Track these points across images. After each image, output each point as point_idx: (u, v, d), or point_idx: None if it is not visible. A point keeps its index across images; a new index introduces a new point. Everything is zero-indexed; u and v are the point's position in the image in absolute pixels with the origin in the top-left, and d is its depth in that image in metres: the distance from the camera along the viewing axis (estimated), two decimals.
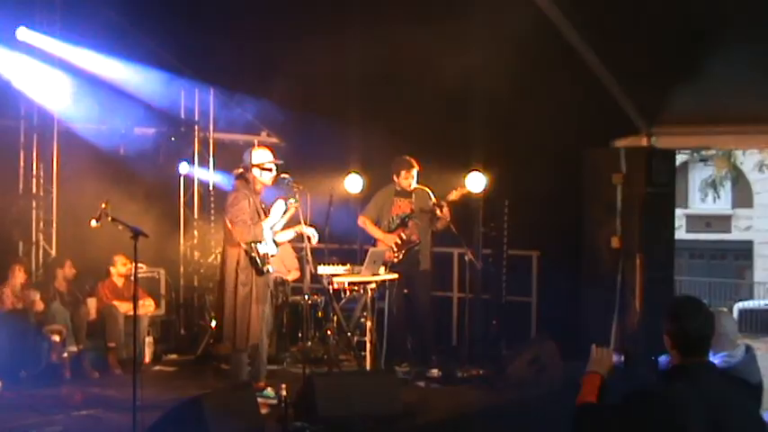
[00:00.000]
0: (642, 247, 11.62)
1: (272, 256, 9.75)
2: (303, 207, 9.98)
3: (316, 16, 11.12)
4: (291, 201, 9.73)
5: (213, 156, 14.62)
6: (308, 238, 9.94)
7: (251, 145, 10.08)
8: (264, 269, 9.56)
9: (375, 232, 11.62)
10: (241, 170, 9.74)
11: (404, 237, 11.41)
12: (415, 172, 11.47)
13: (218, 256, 13.27)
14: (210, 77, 13.91)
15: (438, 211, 11.22)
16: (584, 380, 5.09)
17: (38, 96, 12.77)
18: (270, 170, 9.67)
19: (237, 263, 9.54)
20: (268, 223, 9.63)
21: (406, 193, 11.56)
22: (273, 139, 14.94)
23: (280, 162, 9.81)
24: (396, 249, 11.40)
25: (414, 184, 11.50)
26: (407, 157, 11.52)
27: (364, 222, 11.73)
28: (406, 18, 10.54)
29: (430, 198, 11.38)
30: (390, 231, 11.52)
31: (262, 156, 9.68)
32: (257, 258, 9.50)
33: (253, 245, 9.50)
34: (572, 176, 12.03)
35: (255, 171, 9.64)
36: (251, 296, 9.50)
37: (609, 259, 11.79)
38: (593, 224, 12.01)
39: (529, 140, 11.92)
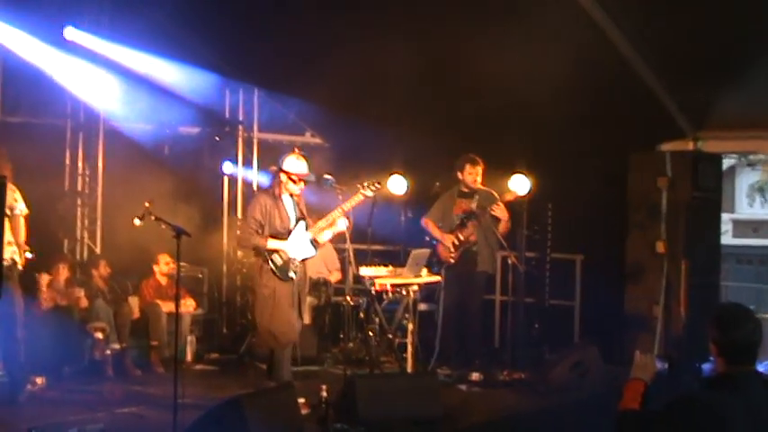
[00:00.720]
0: (687, 253, 11.52)
1: (304, 259, 9.71)
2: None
3: (360, 17, 11.10)
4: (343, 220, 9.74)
5: (257, 156, 14.63)
6: (348, 229, 9.87)
7: (293, 147, 10.03)
8: (288, 275, 9.53)
9: (435, 232, 11.57)
10: (274, 168, 9.73)
11: (461, 237, 11.34)
12: (479, 169, 11.39)
13: None
14: (255, 77, 13.95)
15: (491, 211, 11.13)
16: (627, 386, 5.04)
17: (84, 95, 12.85)
18: (295, 182, 9.61)
19: (261, 266, 9.55)
20: (284, 245, 9.62)
21: (468, 194, 11.48)
22: (317, 140, 14.95)
23: (309, 179, 9.72)
24: (453, 250, 11.34)
25: (478, 182, 11.42)
26: (472, 154, 11.46)
27: (427, 223, 11.69)
28: (451, 20, 10.53)
29: (495, 199, 11.27)
30: (450, 232, 11.45)
31: (293, 165, 9.59)
32: (274, 269, 9.49)
33: (267, 254, 9.49)
34: (617, 180, 11.94)
35: (283, 177, 9.60)
36: (273, 301, 9.48)
37: (653, 264, 11.69)
38: (637, 228, 11.91)
39: (574, 143, 11.83)
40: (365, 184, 9.74)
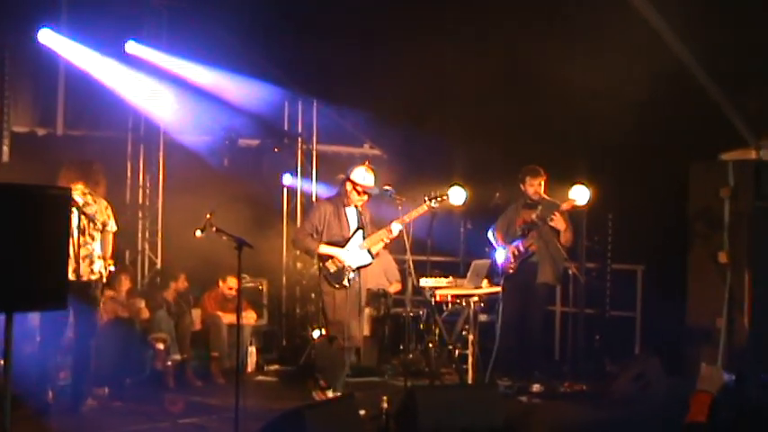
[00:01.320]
0: (750, 263, 11.35)
1: (359, 267, 9.70)
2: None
3: (419, 30, 11.09)
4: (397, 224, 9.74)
5: (315, 167, 14.65)
6: (405, 236, 9.85)
7: (361, 158, 10.09)
8: (342, 282, 9.54)
9: (502, 243, 11.53)
10: (342, 177, 9.77)
11: (521, 248, 11.28)
12: (540, 180, 11.33)
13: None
14: (314, 90, 13.97)
15: (549, 221, 11.05)
16: (694, 399, 4.96)
17: (145, 108, 12.96)
18: (359, 193, 9.66)
19: (320, 272, 9.60)
20: (338, 252, 9.59)
21: (532, 205, 11.42)
22: (376, 151, 14.96)
23: (373, 192, 9.75)
24: (513, 260, 11.28)
25: (541, 193, 11.36)
26: (534, 166, 11.41)
27: (498, 235, 11.65)
28: (514, 31, 10.49)
29: (557, 209, 11.19)
30: (512, 243, 11.39)
31: (360, 177, 9.66)
32: (328, 276, 9.51)
33: (324, 264, 9.52)
34: (678, 190, 11.81)
35: (348, 186, 9.64)
36: (333, 304, 9.54)
37: (716, 275, 11.55)
38: (699, 238, 11.76)
39: (635, 153, 11.73)
40: (432, 195, 9.74)
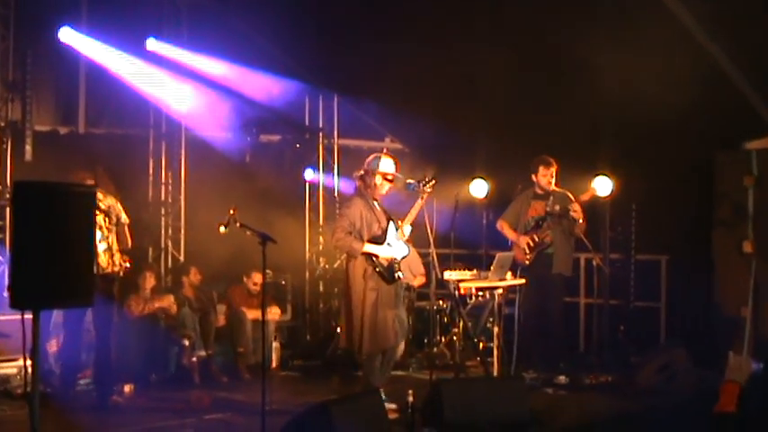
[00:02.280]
0: None
1: (401, 259, 9.68)
2: (429, 212, 9.84)
3: (441, 23, 11.10)
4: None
5: (337, 162, 14.67)
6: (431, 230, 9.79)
7: (379, 151, 10.02)
8: (395, 276, 9.50)
9: (510, 234, 11.53)
10: (362, 173, 9.68)
11: (536, 239, 11.27)
12: (553, 170, 11.33)
13: (344, 262, 13.36)
14: (335, 84, 13.98)
15: (570, 212, 11.03)
16: (723, 389, 4.97)
17: (166, 105, 13.00)
18: (390, 182, 9.61)
19: (365, 270, 9.50)
20: (382, 249, 9.56)
21: (543, 196, 11.41)
22: (397, 145, 14.95)
23: (399, 176, 9.73)
24: (527, 251, 11.28)
25: (552, 183, 11.36)
26: (546, 156, 11.40)
27: (502, 226, 11.65)
28: (535, 24, 10.48)
29: (570, 201, 11.19)
30: (525, 234, 11.39)
31: (388, 165, 9.62)
32: (382, 271, 9.45)
33: (374, 259, 9.45)
34: (702, 179, 11.78)
35: (378, 179, 9.59)
36: (377, 301, 9.44)
37: (740, 264, 11.51)
38: (723, 228, 11.75)
39: (657, 143, 11.69)
40: (418, 181, 9.62)
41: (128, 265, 9.81)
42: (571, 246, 11.40)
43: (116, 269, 9.58)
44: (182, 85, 12.90)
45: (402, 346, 9.95)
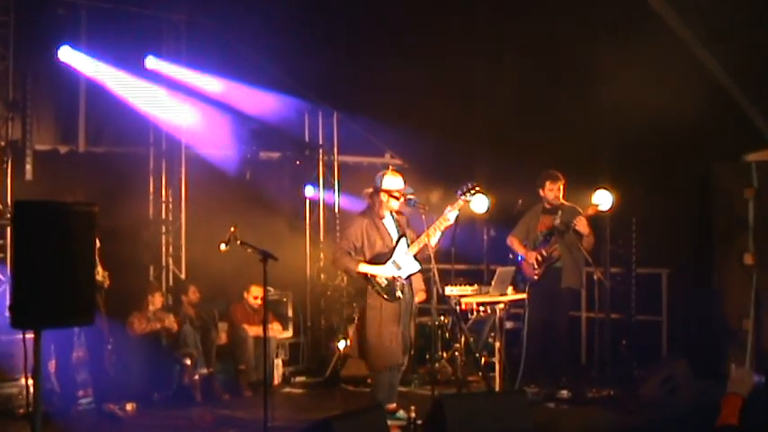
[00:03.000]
0: None
1: (409, 276, 9.66)
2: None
3: (440, 38, 11.12)
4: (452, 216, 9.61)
5: (337, 179, 14.68)
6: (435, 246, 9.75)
7: (383, 168, 10.04)
8: (396, 295, 9.49)
9: (519, 249, 11.53)
10: (371, 191, 9.70)
11: (544, 253, 11.28)
12: (560, 184, 11.35)
13: (345, 279, 13.37)
14: (333, 100, 14.00)
15: (574, 226, 11.04)
16: (725, 401, 4.95)
17: (166, 123, 13.03)
18: (397, 198, 9.61)
19: (366, 288, 9.52)
20: (380, 269, 9.55)
21: (551, 210, 11.43)
22: (397, 161, 14.97)
23: (408, 191, 9.73)
24: (536, 266, 11.28)
25: (560, 198, 11.37)
26: (553, 171, 11.42)
27: (512, 241, 11.65)
28: (533, 39, 10.51)
29: (579, 214, 11.19)
30: (534, 249, 11.39)
31: (393, 182, 9.61)
32: (380, 291, 9.46)
33: (375, 278, 9.45)
34: (702, 192, 11.80)
35: (383, 196, 9.59)
36: (380, 318, 9.44)
37: (742, 276, 11.53)
38: (724, 240, 11.76)
39: (657, 156, 11.71)
40: (464, 189, 9.61)
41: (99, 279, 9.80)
42: (581, 260, 11.39)
43: (99, 278, 9.53)
44: (182, 104, 12.93)
45: (404, 362, 9.91)
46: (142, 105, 12.59)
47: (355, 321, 10.13)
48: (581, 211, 11.22)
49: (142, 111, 12.60)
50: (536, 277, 11.29)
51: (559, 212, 11.36)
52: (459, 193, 9.57)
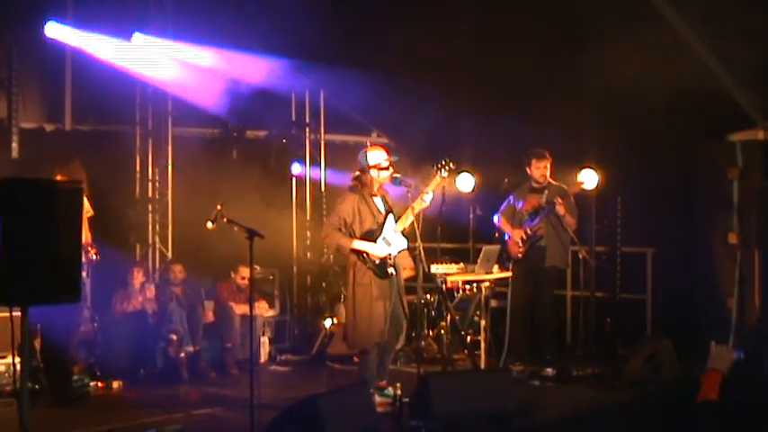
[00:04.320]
0: (760, 243, 11.38)
1: (398, 253, 9.67)
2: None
3: (429, 9, 11.13)
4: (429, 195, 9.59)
5: (324, 157, 14.69)
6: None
7: (363, 146, 10.04)
8: (388, 272, 9.50)
9: (506, 228, 11.58)
10: (357, 173, 9.68)
11: (529, 232, 11.34)
12: (546, 163, 11.40)
13: (331, 257, 13.41)
14: (322, 78, 13.95)
15: (556, 205, 11.10)
16: (705, 378, 5.00)
17: (152, 101, 13.02)
18: (387, 168, 9.58)
19: (355, 263, 9.53)
20: (372, 246, 9.53)
21: (539, 189, 11.48)
22: (384, 139, 14.97)
23: (395, 159, 9.73)
24: (520, 245, 11.34)
25: (547, 176, 11.43)
26: (538, 149, 11.47)
27: (501, 221, 11.69)
28: (518, 17, 10.53)
29: (565, 194, 11.24)
30: (520, 227, 11.45)
31: (377, 156, 9.61)
32: (373, 267, 9.46)
33: (364, 255, 9.46)
34: (686, 171, 11.84)
35: (373, 172, 9.57)
36: (370, 295, 9.47)
37: (726, 255, 11.59)
38: (708, 220, 11.81)
39: (643, 135, 11.74)
40: (439, 165, 9.61)
41: (95, 257, 9.80)
42: (564, 238, 11.45)
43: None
44: (169, 81, 12.87)
45: (402, 342, 9.91)
46: (130, 82, 12.53)
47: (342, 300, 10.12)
48: (567, 189, 11.28)
49: (129, 72, 12.44)
50: (520, 255, 11.35)
51: (546, 191, 11.41)
52: (435, 169, 9.59)
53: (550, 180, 11.45)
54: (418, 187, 9.67)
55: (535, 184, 11.54)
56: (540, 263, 11.39)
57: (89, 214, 9.72)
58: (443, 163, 9.49)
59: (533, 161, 11.46)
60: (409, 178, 9.74)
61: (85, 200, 9.66)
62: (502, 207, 11.79)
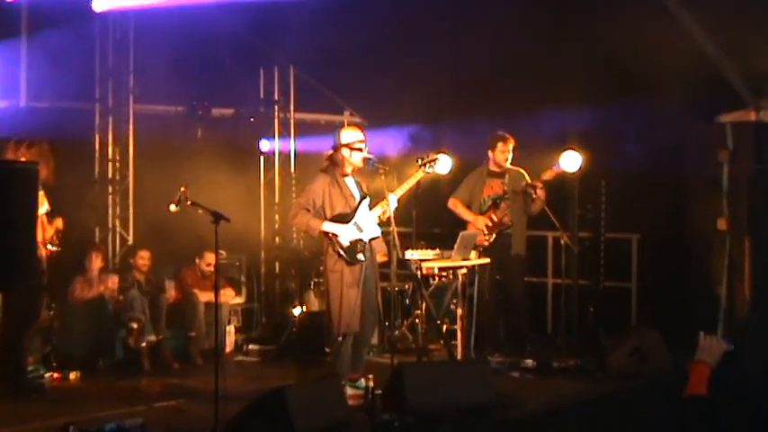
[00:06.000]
0: (750, 229, 11.42)
1: (371, 239, 9.65)
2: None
3: None
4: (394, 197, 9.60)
5: (294, 137, 14.65)
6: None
7: (338, 125, 10.02)
8: (356, 258, 9.47)
9: (465, 214, 11.59)
10: (330, 152, 9.65)
11: (495, 219, 11.36)
12: (510, 146, 11.43)
13: (301, 242, 13.38)
14: (291, 55, 13.90)
15: (533, 192, 11.15)
16: (693, 370, 5.00)
17: (113, 76, 12.94)
18: (360, 150, 9.55)
19: (327, 249, 9.51)
20: (343, 229, 9.53)
21: (498, 174, 11.51)
22: (356, 119, 14.94)
23: (366, 140, 9.71)
24: (486, 232, 11.35)
25: (509, 160, 11.45)
26: (502, 132, 11.48)
27: (455, 204, 11.71)
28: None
29: (524, 179, 11.31)
30: (482, 213, 11.47)
31: (351, 135, 9.58)
32: (341, 251, 9.43)
33: (336, 238, 9.43)
34: (675, 154, 11.85)
35: (345, 151, 9.54)
36: (341, 282, 9.45)
37: (715, 242, 11.63)
38: (697, 204, 11.85)
39: (629, 116, 11.74)
40: (423, 160, 9.63)
41: (50, 248, 9.73)
42: (524, 226, 11.55)
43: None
44: (128, 55, 12.82)
45: (370, 329, 9.89)
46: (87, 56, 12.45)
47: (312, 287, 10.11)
48: (525, 174, 11.33)
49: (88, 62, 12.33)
50: (486, 243, 11.36)
51: (506, 176, 11.45)
52: (420, 163, 9.61)
53: (509, 165, 11.50)
54: (390, 174, 9.63)
55: (494, 168, 11.56)
56: (505, 251, 11.45)
57: (46, 210, 9.63)
58: (428, 158, 9.55)
59: (499, 144, 11.48)
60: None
61: (42, 195, 9.61)
62: (457, 191, 11.79)
